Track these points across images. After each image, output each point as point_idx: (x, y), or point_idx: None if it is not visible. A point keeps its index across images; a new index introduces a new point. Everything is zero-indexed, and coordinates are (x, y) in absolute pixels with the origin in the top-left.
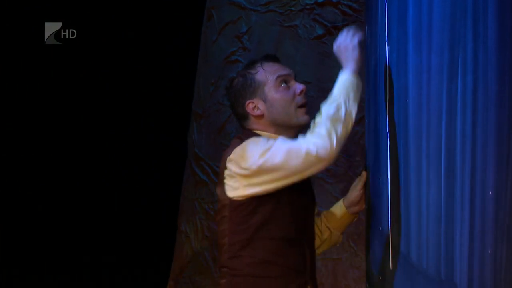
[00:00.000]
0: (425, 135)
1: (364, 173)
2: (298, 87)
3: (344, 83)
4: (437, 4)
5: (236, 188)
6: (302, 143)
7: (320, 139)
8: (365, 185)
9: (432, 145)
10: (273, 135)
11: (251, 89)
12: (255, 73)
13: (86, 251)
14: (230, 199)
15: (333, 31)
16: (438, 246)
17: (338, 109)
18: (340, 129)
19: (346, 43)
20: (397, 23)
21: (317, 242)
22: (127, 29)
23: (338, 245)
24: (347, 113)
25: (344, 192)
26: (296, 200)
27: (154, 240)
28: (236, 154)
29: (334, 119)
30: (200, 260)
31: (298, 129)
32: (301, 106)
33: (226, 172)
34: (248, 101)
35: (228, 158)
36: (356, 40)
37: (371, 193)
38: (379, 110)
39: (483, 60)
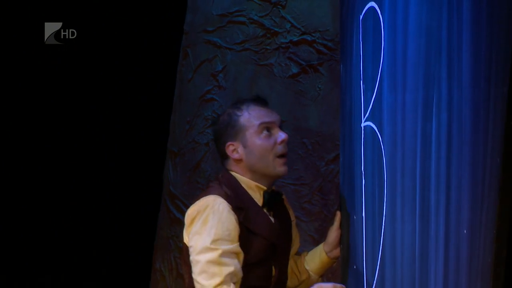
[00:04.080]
0: (400, 173)
1: (338, 213)
2: (280, 135)
3: None
4: (411, 42)
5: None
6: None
7: None
8: (340, 224)
9: (406, 183)
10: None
11: (233, 131)
12: (240, 115)
13: None
14: (186, 245)
15: (308, 70)
16: (412, 285)
17: None
18: None
19: None
20: (371, 62)
21: (295, 282)
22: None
23: None
24: None
25: (319, 231)
26: (259, 245)
27: (129, 278)
28: (187, 219)
29: None
30: None
31: (274, 178)
32: (280, 156)
33: (185, 219)
34: (228, 143)
35: (187, 210)
36: None
37: (345, 232)
38: (354, 148)
39: (458, 98)
